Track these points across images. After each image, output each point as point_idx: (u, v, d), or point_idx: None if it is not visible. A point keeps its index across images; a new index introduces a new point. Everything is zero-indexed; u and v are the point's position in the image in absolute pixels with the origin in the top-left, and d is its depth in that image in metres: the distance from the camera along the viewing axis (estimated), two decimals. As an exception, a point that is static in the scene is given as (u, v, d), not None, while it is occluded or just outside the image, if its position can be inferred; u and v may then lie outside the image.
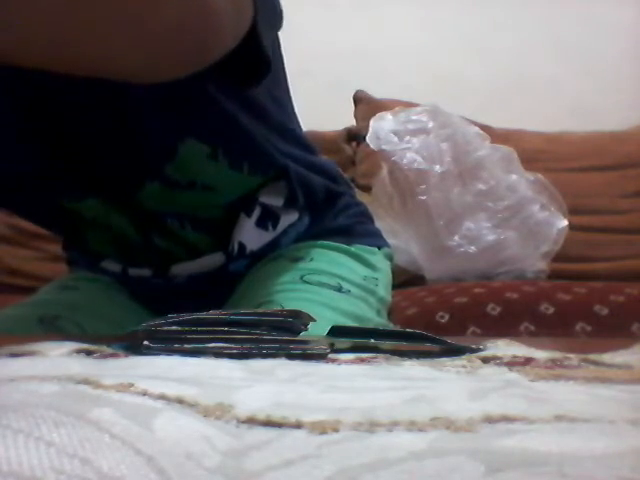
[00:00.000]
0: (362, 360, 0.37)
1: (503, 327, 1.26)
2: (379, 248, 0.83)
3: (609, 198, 1.89)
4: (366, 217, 0.86)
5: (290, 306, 0.64)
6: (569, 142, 2.01)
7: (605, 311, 1.26)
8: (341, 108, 2.05)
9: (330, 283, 0.71)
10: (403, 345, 0.40)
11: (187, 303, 0.53)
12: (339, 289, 0.71)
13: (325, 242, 0.77)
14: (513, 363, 0.36)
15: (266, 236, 0.75)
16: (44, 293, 0.80)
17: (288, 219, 0.76)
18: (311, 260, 0.74)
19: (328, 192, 0.80)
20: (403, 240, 1.62)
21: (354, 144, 2.05)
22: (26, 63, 0.43)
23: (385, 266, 0.82)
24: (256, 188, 0.73)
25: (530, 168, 1.71)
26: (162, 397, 0.23)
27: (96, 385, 0.24)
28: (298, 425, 0.21)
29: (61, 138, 0.65)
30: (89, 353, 0.36)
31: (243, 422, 0.21)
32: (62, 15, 0.39)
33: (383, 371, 0.33)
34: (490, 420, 0.21)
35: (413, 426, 0.21)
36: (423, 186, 1.60)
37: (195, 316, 0.38)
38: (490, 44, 2.24)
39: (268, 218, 0.75)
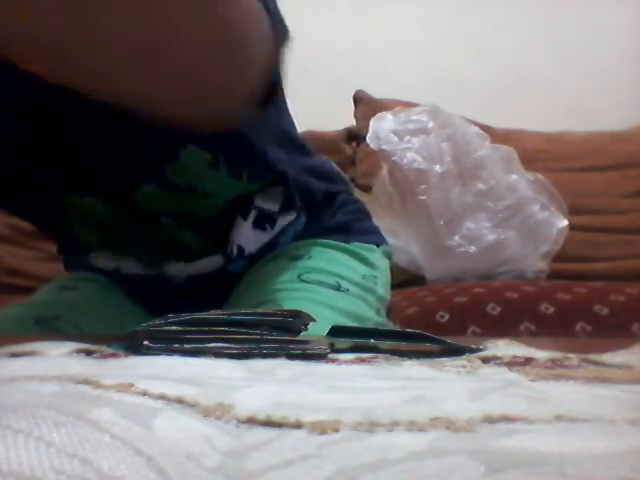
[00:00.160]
0: (362, 360, 0.37)
1: (503, 327, 1.26)
2: (377, 246, 0.83)
3: (609, 198, 1.89)
4: (364, 214, 0.86)
5: (289, 306, 0.64)
6: (569, 142, 2.01)
7: (605, 311, 1.26)
8: (341, 108, 2.05)
9: (329, 282, 0.71)
10: (403, 345, 0.40)
11: (186, 303, 0.53)
12: (337, 288, 0.71)
13: (324, 240, 0.77)
14: (513, 363, 0.36)
15: (264, 236, 0.75)
16: (42, 293, 0.80)
17: (285, 219, 0.76)
18: (309, 258, 0.74)
19: (326, 193, 0.80)
20: (403, 240, 1.62)
21: (354, 144, 2.05)
22: (97, 96, 0.46)
23: (384, 264, 0.82)
24: (253, 192, 0.73)
25: (530, 168, 1.71)
26: (162, 397, 0.23)
27: (96, 385, 0.24)
28: (298, 425, 0.21)
29: (60, 138, 0.65)
30: (89, 353, 0.36)
31: (243, 422, 0.21)
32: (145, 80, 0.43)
33: (383, 371, 0.33)
34: (490, 420, 0.21)
35: (413, 426, 0.21)
36: (423, 186, 1.60)
37: (195, 316, 0.38)
38: (490, 44, 2.24)
39: (265, 220, 0.75)
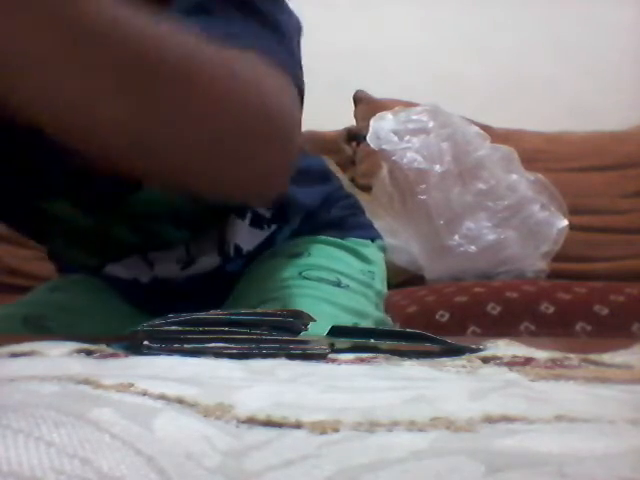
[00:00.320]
0: (362, 360, 0.37)
1: (503, 326, 1.26)
2: (372, 240, 0.83)
3: (609, 198, 1.89)
4: (357, 209, 0.87)
5: (292, 303, 0.65)
6: (569, 142, 2.01)
7: (605, 311, 1.26)
8: (341, 108, 2.05)
9: (329, 278, 0.71)
10: (403, 345, 0.40)
11: (186, 303, 0.53)
12: (338, 284, 0.71)
13: (321, 237, 0.78)
14: (513, 363, 0.36)
15: (261, 234, 0.75)
16: (32, 294, 0.80)
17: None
18: (309, 255, 0.74)
19: (320, 195, 0.81)
20: (403, 240, 1.62)
21: (354, 144, 2.05)
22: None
23: (379, 259, 0.82)
24: None
25: (530, 168, 1.71)
26: (162, 397, 0.23)
27: (96, 385, 0.24)
28: (298, 425, 0.21)
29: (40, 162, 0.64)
30: (89, 353, 0.36)
31: (243, 422, 0.21)
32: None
33: (383, 371, 0.33)
34: (490, 420, 0.21)
35: (413, 426, 0.21)
36: (423, 186, 1.60)
37: (195, 316, 0.38)
38: (490, 44, 2.24)
39: (261, 220, 0.75)
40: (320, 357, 0.37)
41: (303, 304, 0.64)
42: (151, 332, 0.37)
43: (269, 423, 0.21)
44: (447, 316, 1.30)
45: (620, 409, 0.24)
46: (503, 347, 0.41)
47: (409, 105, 1.78)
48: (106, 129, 0.44)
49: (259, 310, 0.41)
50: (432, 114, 1.67)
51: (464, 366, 0.35)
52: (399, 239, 1.60)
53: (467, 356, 0.38)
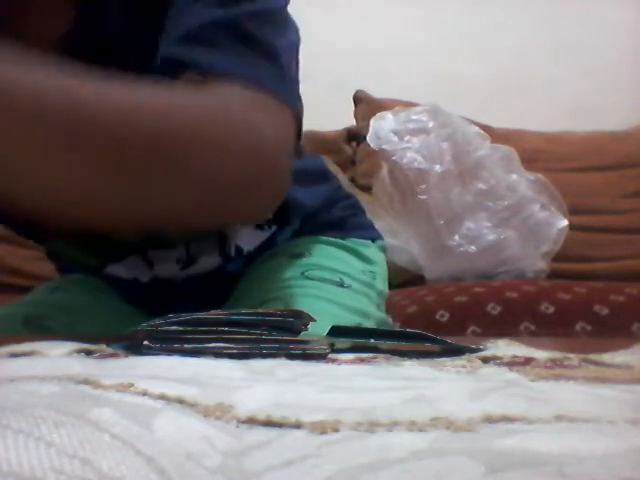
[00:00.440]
0: (362, 360, 0.37)
1: (503, 326, 1.26)
2: (373, 241, 0.83)
3: (609, 198, 1.89)
4: (358, 209, 0.87)
5: (295, 302, 0.65)
6: (569, 142, 2.01)
7: (605, 311, 1.26)
8: (341, 108, 2.05)
9: (332, 279, 0.71)
10: (403, 345, 0.40)
11: (186, 303, 0.53)
12: (341, 284, 0.71)
13: (322, 237, 0.78)
14: (513, 363, 0.36)
15: (262, 235, 0.75)
16: (33, 294, 0.80)
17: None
18: (310, 256, 0.75)
19: (321, 195, 0.81)
20: (403, 240, 1.62)
21: (354, 144, 2.05)
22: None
23: (380, 259, 0.82)
24: None
25: (530, 168, 1.71)
26: (162, 397, 0.23)
27: (96, 385, 0.24)
28: (298, 425, 0.21)
29: None
30: (89, 353, 0.36)
31: (243, 422, 0.21)
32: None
33: (383, 371, 0.33)
34: (490, 420, 0.21)
35: (413, 426, 0.21)
36: (423, 186, 1.60)
37: (195, 316, 0.38)
38: (490, 44, 2.24)
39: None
40: (320, 357, 0.37)
41: (306, 304, 0.64)
42: (151, 332, 0.37)
43: (269, 423, 0.21)
44: (447, 316, 1.30)
45: (620, 409, 0.24)
46: (503, 347, 0.41)
47: (409, 105, 1.78)
48: (91, 206, 0.44)
49: (259, 310, 0.41)
50: (432, 114, 1.67)
51: (464, 366, 0.35)
52: (399, 239, 1.60)
53: (467, 356, 0.38)
